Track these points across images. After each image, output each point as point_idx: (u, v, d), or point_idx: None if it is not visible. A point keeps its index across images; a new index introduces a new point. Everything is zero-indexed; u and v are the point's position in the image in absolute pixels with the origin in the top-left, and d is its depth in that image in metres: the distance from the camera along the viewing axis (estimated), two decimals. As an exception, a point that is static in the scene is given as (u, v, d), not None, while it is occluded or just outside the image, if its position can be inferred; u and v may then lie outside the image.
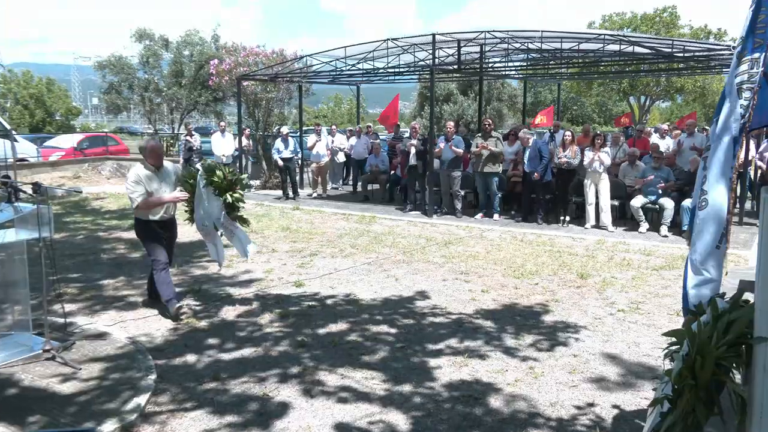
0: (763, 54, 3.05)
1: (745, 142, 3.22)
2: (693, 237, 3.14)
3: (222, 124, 15.88)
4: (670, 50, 12.33)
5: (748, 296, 2.66)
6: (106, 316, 6.02)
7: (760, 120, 3.19)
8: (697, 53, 12.54)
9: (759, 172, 11.21)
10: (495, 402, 4.24)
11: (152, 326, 5.73)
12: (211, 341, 5.36)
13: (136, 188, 5.66)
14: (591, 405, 4.19)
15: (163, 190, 5.82)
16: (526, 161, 11.25)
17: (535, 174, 11.01)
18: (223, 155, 15.35)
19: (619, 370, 4.79)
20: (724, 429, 3.22)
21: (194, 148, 16.15)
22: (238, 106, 16.20)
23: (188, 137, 16.45)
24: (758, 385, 2.30)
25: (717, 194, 3.04)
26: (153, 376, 4.54)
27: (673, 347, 2.74)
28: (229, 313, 6.13)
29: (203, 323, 5.82)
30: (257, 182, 16.92)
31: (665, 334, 2.81)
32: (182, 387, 4.44)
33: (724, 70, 15.93)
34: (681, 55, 12.38)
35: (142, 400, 4.14)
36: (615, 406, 4.18)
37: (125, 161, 20.79)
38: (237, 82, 16.00)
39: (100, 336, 5.36)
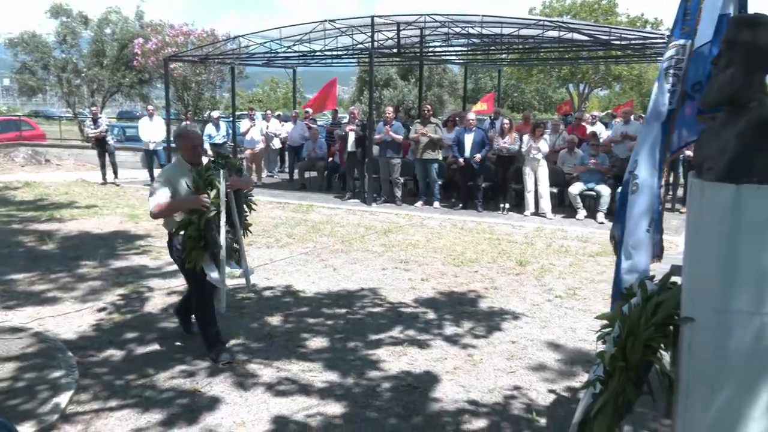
0: (690, 41, 3.22)
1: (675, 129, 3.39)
2: (627, 223, 3.30)
3: (150, 107, 15.28)
4: (607, 38, 12.76)
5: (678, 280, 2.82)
6: (22, 312, 5.78)
7: (686, 137, 3.36)
8: (633, 41, 13.04)
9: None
10: (434, 390, 4.33)
11: (73, 322, 5.54)
12: (137, 336, 5.23)
13: (158, 189, 4.58)
14: (528, 390, 4.34)
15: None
16: (468, 147, 11.40)
17: (477, 156, 11.25)
18: (151, 142, 14.66)
19: (556, 356, 4.97)
20: (654, 408, 3.41)
21: (103, 137, 14.53)
22: (165, 89, 15.74)
23: (92, 124, 14.74)
24: (683, 365, 2.45)
25: (647, 180, 3.20)
26: (75, 375, 4.40)
27: (606, 330, 2.88)
28: (156, 306, 5.99)
29: (129, 318, 5.67)
30: None
31: (598, 317, 2.95)
32: (107, 385, 4.33)
33: (659, 58, 16.60)
34: (618, 42, 12.84)
35: (62, 400, 4.01)
36: (551, 391, 4.35)
37: (41, 147, 19.90)
38: (164, 63, 15.54)
39: (15, 333, 5.15)
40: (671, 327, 2.62)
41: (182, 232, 4.62)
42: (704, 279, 2.28)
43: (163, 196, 4.56)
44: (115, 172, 15.03)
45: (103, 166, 14.81)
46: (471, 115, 11.97)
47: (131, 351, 4.93)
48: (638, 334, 2.55)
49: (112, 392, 4.22)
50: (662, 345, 2.68)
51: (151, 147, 14.47)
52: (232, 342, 5.12)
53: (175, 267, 7.25)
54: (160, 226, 8.16)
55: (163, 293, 6.40)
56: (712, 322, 2.28)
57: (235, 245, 4.85)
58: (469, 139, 11.41)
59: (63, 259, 7.69)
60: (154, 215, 4.66)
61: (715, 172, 2.18)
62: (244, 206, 4.96)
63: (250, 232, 5.24)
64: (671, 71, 3.25)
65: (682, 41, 3.24)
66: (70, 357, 4.70)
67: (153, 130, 14.60)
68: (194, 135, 4.84)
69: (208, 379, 4.43)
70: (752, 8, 3.09)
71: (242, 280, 5.20)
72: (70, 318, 5.66)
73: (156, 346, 5.03)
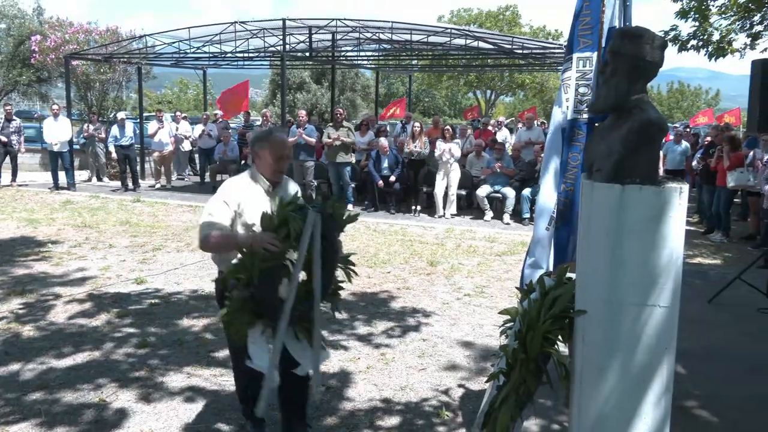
0: (595, 53, 3.42)
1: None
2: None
3: (55, 107, 14.40)
4: (510, 47, 13.25)
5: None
6: None
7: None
8: (534, 51, 13.61)
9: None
10: (347, 389, 4.35)
11: (-36, 335, 5.17)
12: (38, 347, 4.94)
13: (216, 210, 3.26)
14: (438, 386, 4.45)
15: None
16: (385, 166, 11.68)
17: (392, 178, 11.60)
18: (56, 143, 13.76)
19: (465, 352, 5.11)
20: (553, 397, 3.58)
21: (9, 140, 13.71)
22: (66, 88, 14.95)
23: (6, 123, 13.79)
24: (578, 355, 2.59)
25: (546, 185, 3.39)
26: (-34, 390, 4.10)
27: (508, 324, 3.00)
28: (58, 315, 5.68)
29: (28, 328, 5.34)
30: (87, 173, 15.80)
31: (501, 313, 3.06)
32: (3, 399, 4.06)
33: (558, 67, 17.44)
34: (520, 51, 13.36)
35: (-48, 417, 3.73)
36: (461, 386, 4.47)
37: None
38: (65, 61, 14.75)
39: None
40: (567, 320, 2.76)
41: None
42: (594, 273, 2.42)
43: (221, 219, 3.22)
44: (14, 175, 14.12)
45: (-1, 168, 13.85)
46: (384, 142, 12.09)
47: (32, 363, 4.65)
48: (537, 328, 2.67)
49: (10, 407, 3.96)
50: (560, 337, 2.81)
51: (56, 148, 13.66)
52: (141, 350, 4.93)
53: (81, 274, 7.00)
54: (62, 230, 7.93)
55: (68, 301, 6.08)
56: (603, 314, 2.42)
57: (304, 323, 3.17)
58: (385, 161, 11.72)
59: (-48, 267, 7.15)
60: (203, 248, 3.35)
61: (602, 174, 2.33)
62: (338, 270, 3.45)
63: (337, 310, 3.59)
64: (580, 83, 3.43)
65: (588, 53, 3.42)
66: (-39, 371, 4.38)
67: (58, 131, 13.70)
68: (281, 141, 3.44)
69: (115, 390, 4.25)
70: (635, 22, 3.32)
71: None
72: (-40, 330, 5.26)
73: (59, 357, 4.76)
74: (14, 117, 14.23)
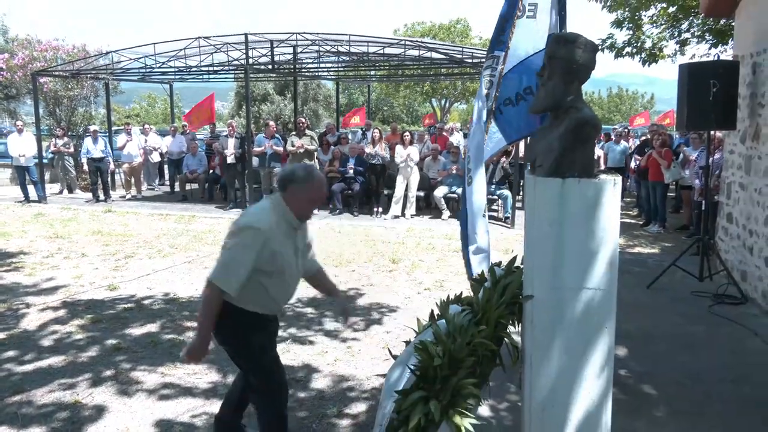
0: (504, 52, 3.53)
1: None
2: (468, 211, 3.57)
3: (19, 123, 13.97)
4: (460, 56, 13.41)
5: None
6: None
7: (512, 134, 3.68)
8: (482, 60, 13.79)
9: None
10: (316, 381, 4.34)
11: (-63, 345, 4.98)
12: (11, 354, 4.79)
13: (244, 255, 2.76)
14: (402, 374, 4.47)
15: (294, 264, 3.07)
16: (351, 167, 11.81)
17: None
18: (22, 156, 13.35)
19: (426, 341, 5.15)
20: (507, 378, 3.65)
21: None
22: (35, 105, 14.50)
23: None
24: (527, 337, 2.65)
25: (477, 172, 3.49)
26: (-60, 399, 3.96)
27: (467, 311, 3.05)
28: (31, 323, 5.52)
29: (1, 336, 5.17)
30: (58, 186, 15.38)
31: (453, 301, 3.11)
32: (-22, 406, 3.93)
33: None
34: (470, 61, 13.53)
35: (-73, 425, 3.60)
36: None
37: None
38: (32, 78, 14.34)
39: None
40: (518, 305, 2.82)
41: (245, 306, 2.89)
42: (540, 260, 2.48)
43: (247, 267, 2.77)
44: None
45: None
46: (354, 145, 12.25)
47: (5, 370, 4.50)
48: (489, 314, 2.73)
49: (-16, 413, 3.84)
50: (511, 321, 2.87)
51: (22, 162, 13.30)
52: (116, 352, 4.83)
53: (53, 283, 6.81)
54: (35, 242, 7.69)
55: (41, 309, 5.91)
56: (548, 298, 2.48)
57: None
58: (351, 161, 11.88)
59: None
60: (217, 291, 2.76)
61: (544, 169, 2.39)
62: None
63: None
64: (488, 78, 3.57)
65: (497, 53, 3.56)
66: (-65, 381, 4.22)
67: (23, 146, 13.34)
68: (321, 183, 3.02)
69: (90, 390, 4.15)
70: (570, 28, 3.41)
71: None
72: (-67, 341, 5.07)
73: (33, 362, 4.63)
74: None
